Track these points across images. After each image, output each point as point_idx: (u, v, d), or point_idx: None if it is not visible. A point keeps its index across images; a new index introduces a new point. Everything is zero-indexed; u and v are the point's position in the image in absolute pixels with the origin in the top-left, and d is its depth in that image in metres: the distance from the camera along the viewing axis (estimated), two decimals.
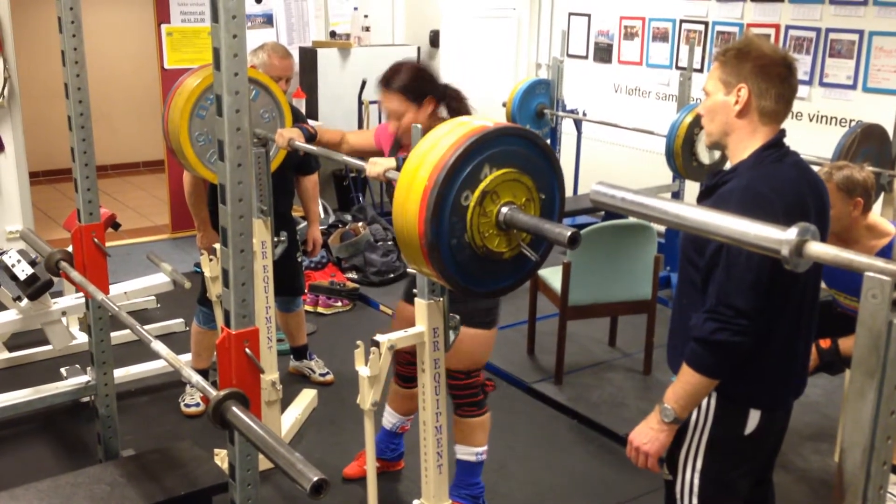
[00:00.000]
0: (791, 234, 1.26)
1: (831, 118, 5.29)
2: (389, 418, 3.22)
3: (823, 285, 3.36)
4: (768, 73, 1.96)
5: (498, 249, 1.89)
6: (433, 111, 2.86)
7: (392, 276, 5.41)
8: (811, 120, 5.40)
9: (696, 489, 2.10)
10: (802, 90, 5.38)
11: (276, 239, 3.29)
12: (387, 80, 2.91)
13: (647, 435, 2.05)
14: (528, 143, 1.92)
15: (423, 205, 1.80)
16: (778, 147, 2.01)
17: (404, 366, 3.07)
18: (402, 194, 1.87)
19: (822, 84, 5.31)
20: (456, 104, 2.88)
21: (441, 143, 1.85)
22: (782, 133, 2.03)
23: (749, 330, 1.90)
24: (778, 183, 1.94)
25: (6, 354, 4.20)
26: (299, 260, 3.96)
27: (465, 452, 2.93)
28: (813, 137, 5.26)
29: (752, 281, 1.88)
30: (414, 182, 1.84)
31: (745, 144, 2.01)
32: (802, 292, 2.03)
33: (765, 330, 1.95)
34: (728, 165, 2.09)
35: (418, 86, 2.84)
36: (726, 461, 2.09)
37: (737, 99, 1.99)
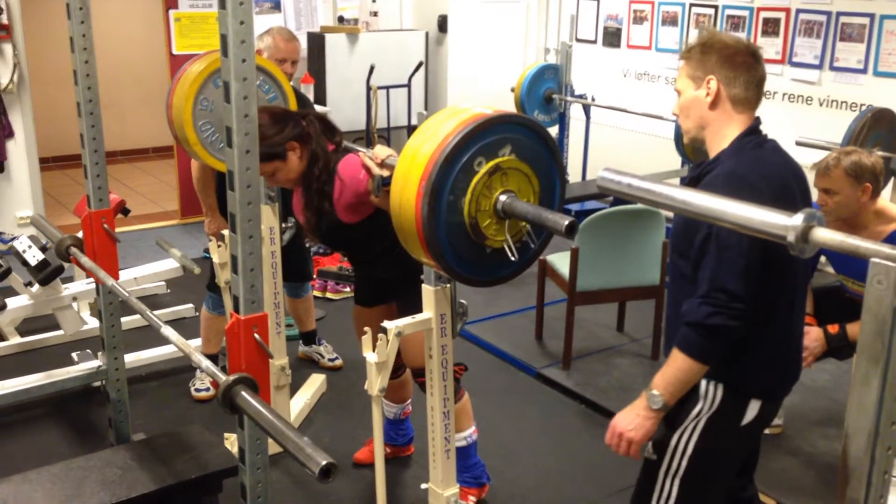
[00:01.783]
0: (797, 219, 1.27)
1: (841, 102, 5.26)
2: (388, 408, 3.22)
3: (831, 270, 3.35)
4: (733, 62, 1.98)
5: (485, 232, 1.87)
6: (302, 151, 2.65)
7: None
8: (821, 104, 5.37)
9: (681, 471, 2.08)
10: (812, 74, 5.36)
11: (283, 225, 3.31)
12: None
13: (633, 422, 2.01)
14: (549, 152, 1.92)
15: (438, 149, 1.78)
16: (756, 134, 2.02)
17: None
18: (419, 139, 1.84)
19: (832, 68, 5.28)
20: (322, 124, 2.70)
21: (476, 108, 1.85)
22: (758, 120, 2.04)
23: (744, 314, 1.89)
24: (763, 167, 1.95)
25: (18, 339, 4.23)
26: (307, 246, 3.97)
27: (455, 439, 2.95)
28: (823, 122, 5.24)
29: (744, 265, 1.87)
30: (439, 130, 1.82)
31: (723, 134, 2.02)
32: (796, 278, 2.03)
33: (764, 317, 1.95)
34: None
35: (268, 144, 2.51)
36: (718, 450, 2.09)
37: (707, 91, 2.00)
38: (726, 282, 1.88)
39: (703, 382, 2.04)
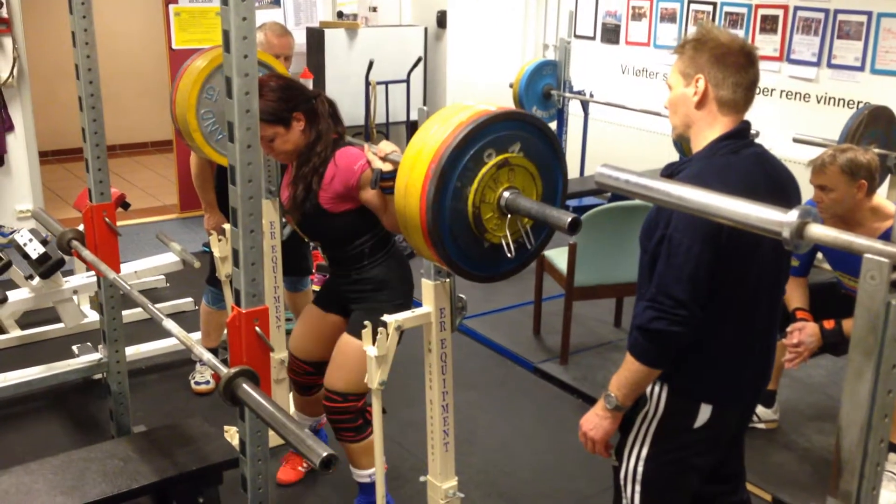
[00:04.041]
0: (792, 216, 1.29)
1: (839, 100, 5.27)
2: (302, 421, 3.13)
3: (828, 267, 3.38)
4: (724, 62, 1.94)
5: (487, 225, 1.87)
6: (306, 126, 2.68)
7: None
8: (819, 101, 5.38)
9: (638, 476, 2.10)
10: (810, 71, 5.38)
11: (283, 220, 3.32)
12: None
13: (592, 421, 2.09)
14: (556, 157, 1.94)
15: (451, 136, 1.79)
16: (737, 138, 1.98)
17: (301, 375, 2.99)
18: (428, 129, 1.85)
19: (829, 66, 5.30)
20: (330, 108, 2.75)
21: (484, 105, 1.87)
22: (745, 124, 2.00)
23: (687, 320, 1.89)
24: (729, 176, 1.91)
25: (19, 332, 4.25)
26: (306, 240, 3.98)
27: (356, 474, 2.89)
28: (820, 119, 5.26)
29: (691, 271, 1.87)
30: (451, 119, 1.83)
31: (704, 135, 1.99)
32: (756, 289, 2.00)
33: (712, 323, 1.94)
34: None
35: (276, 107, 2.60)
36: (671, 451, 2.08)
37: (695, 90, 1.97)
38: (672, 287, 1.88)
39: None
